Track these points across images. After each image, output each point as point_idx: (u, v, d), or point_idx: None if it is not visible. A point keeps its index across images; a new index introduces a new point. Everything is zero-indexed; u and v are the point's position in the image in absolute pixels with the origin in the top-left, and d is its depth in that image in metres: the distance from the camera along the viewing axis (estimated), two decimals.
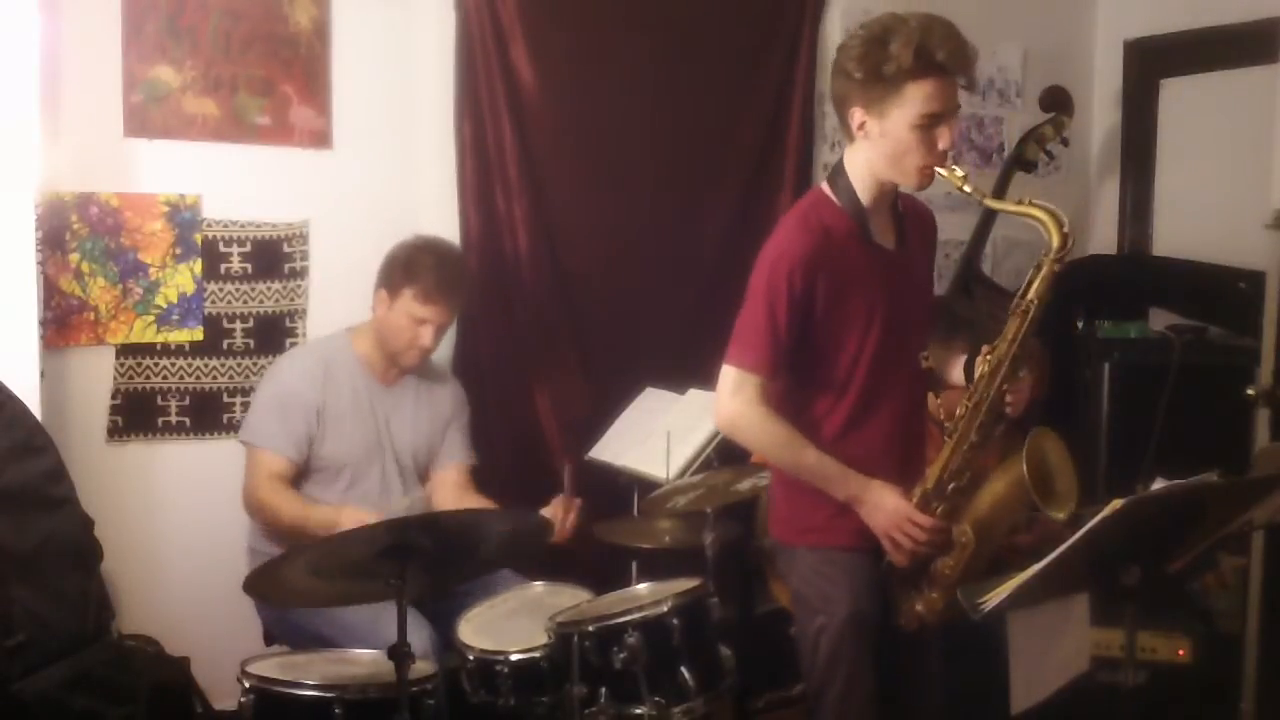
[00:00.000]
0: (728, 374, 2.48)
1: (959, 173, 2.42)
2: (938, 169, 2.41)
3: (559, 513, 3.08)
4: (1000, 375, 2.45)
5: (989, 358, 2.46)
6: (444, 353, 3.66)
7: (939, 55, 2.32)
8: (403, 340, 3.17)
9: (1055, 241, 2.38)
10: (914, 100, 2.34)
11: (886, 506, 2.47)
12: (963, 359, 2.74)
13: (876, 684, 2.55)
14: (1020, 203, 2.46)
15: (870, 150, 2.43)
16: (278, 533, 3.07)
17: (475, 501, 3.31)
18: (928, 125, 2.36)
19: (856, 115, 2.41)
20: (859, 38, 2.40)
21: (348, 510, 2.99)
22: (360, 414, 3.19)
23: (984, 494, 2.55)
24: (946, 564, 2.52)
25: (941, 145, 2.39)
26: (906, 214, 2.60)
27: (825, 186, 2.54)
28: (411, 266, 3.15)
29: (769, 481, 3.03)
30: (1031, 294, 2.42)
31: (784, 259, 2.42)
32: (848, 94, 2.42)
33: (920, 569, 2.53)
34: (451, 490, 3.34)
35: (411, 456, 3.28)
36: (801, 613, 2.60)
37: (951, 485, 2.50)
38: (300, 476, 3.14)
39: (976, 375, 2.48)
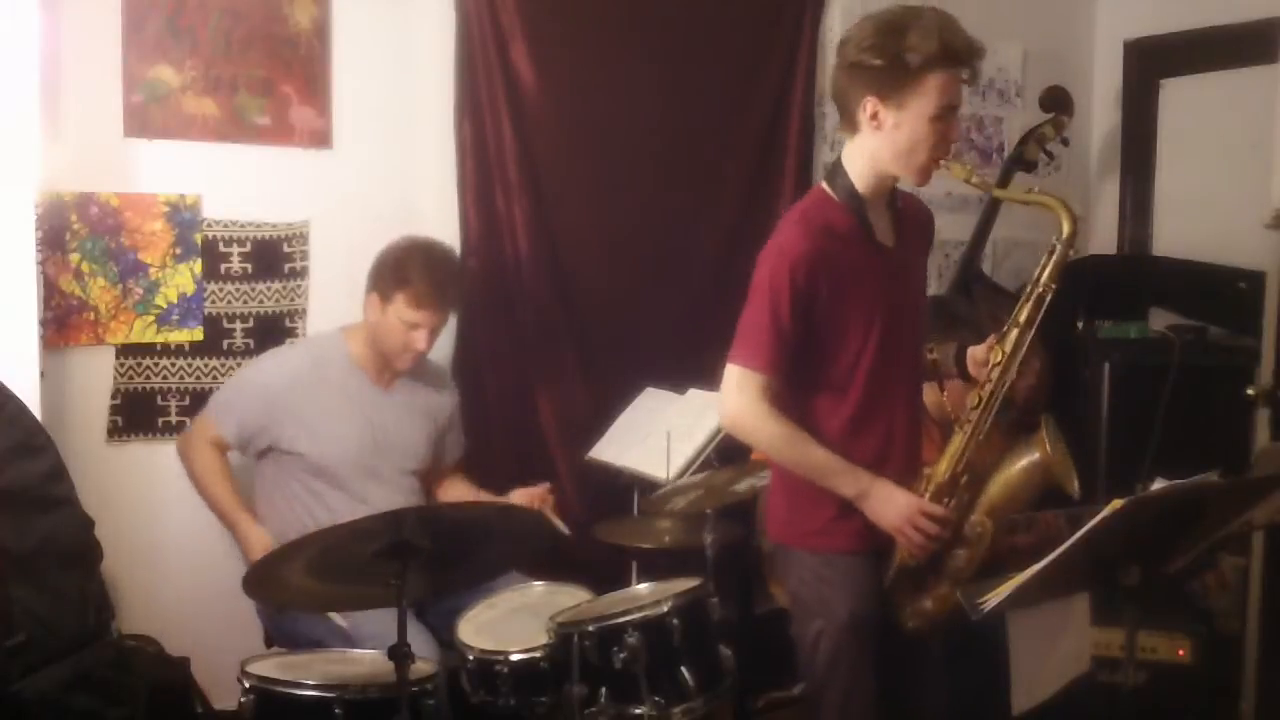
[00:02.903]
0: (731, 373, 2.46)
1: (966, 165, 2.46)
2: (943, 163, 2.42)
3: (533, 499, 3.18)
4: (1016, 360, 2.47)
5: (1000, 346, 2.48)
6: (444, 351, 3.67)
7: (959, 46, 2.35)
8: (396, 343, 3.16)
9: (1067, 227, 2.42)
10: (934, 91, 2.35)
11: (898, 500, 2.45)
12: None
13: (877, 688, 2.54)
14: (1029, 192, 2.55)
15: (878, 142, 2.41)
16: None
17: (470, 489, 3.39)
18: (943, 117, 2.37)
19: (869, 105, 2.38)
20: (869, 28, 2.39)
21: (256, 532, 3.06)
22: (352, 415, 3.17)
23: (995, 483, 2.52)
24: (960, 556, 2.50)
25: (951, 138, 2.41)
26: (905, 211, 2.60)
27: (825, 186, 2.53)
28: (402, 271, 3.13)
29: (768, 482, 3.04)
30: (1045, 278, 2.45)
31: (786, 257, 2.40)
32: (858, 83, 2.40)
33: (930, 566, 2.51)
34: (451, 486, 3.41)
35: (409, 462, 3.26)
36: (800, 616, 2.58)
37: (964, 478, 2.49)
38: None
39: (990, 364, 2.49)
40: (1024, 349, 2.47)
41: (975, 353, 2.61)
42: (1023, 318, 2.47)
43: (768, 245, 2.49)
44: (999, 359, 2.47)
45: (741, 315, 2.48)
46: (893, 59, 2.34)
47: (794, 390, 2.48)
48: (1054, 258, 2.44)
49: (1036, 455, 2.48)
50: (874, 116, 2.39)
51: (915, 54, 2.32)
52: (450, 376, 3.52)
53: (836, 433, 2.48)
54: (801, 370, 2.46)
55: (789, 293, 2.38)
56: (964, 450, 2.48)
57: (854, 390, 2.48)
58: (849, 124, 2.47)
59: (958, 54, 2.35)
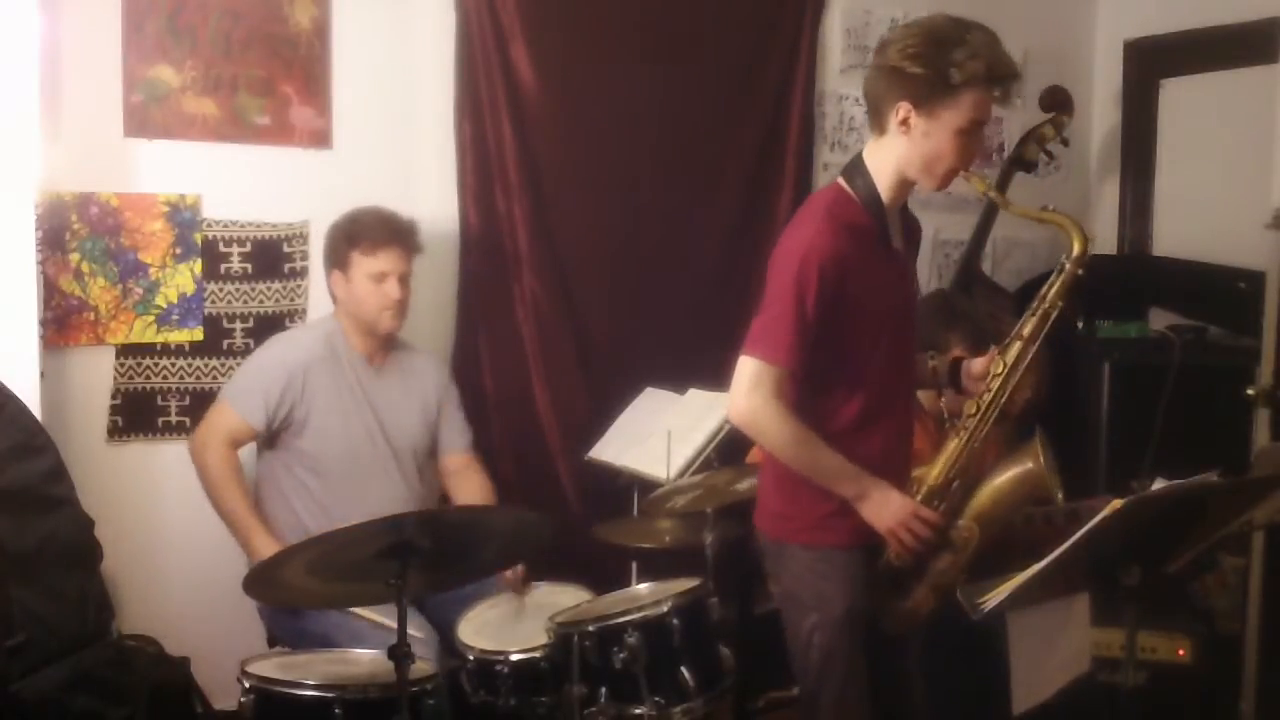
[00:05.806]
0: (746, 367, 2.43)
1: (985, 179, 2.50)
2: (963, 174, 2.46)
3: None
4: (1017, 374, 2.49)
5: (1002, 357, 2.50)
6: (444, 351, 3.67)
7: (1001, 70, 2.39)
8: (373, 304, 3.17)
9: (1077, 247, 2.45)
10: (967, 107, 2.38)
11: (893, 503, 2.47)
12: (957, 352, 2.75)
13: (870, 682, 2.55)
14: (1043, 210, 2.53)
15: (905, 148, 2.44)
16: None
17: (481, 483, 3.39)
18: (970, 132, 2.41)
19: (901, 110, 2.41)
20: (917, 35, 2.41)
21: (262, 538, 3.02)
22: (356, 405, 3.19)
23: (985, 490, 2.54)
24: (946, 559, 2.52)
25: (974, 153, 2.45)
26: (905, 216, 2.62)
27: (843, 183, 2.52)
28: (351, 233, 3.19)
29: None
30: (1053, 295, 2.48)
31: (815, 252, 2.39)
32: (894, 87, 2.41)
33: (916, 568, 2.53)
34: (460, 477, 3.40)
35: (409, 446, 3.27)
36: (793, 611, 2.58)
37: (955, 483, 2.51)
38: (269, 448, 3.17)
39: (991, 375, 2.51)
40: (1026, 362, 2.49)
41: (972, 366, 2.64)
42: (1026, 331, 2.49)
43: (787, 241, 2.48)
44: (1000, 370, 2.50)
45: (760, 312, 2.46)
46: (935, 71, 2.36)
47: (802, 384, 2.46)
48: (1063, 276, 2.47)
49: (1029, 465, 2.49)
50: (904, 121, 2.41)
51: (959, 71, 2.35)
52: (443, 363, 3.52)
53: (843, 428, 2.48)
54: (813, 366, 2.45)
55: (816, 286, 2.37)
56: (958, 456, 2.51)
57: (863, 389, 2.49)
58: (878, 124, 2.49)
59: (998, 77, 2.39)
